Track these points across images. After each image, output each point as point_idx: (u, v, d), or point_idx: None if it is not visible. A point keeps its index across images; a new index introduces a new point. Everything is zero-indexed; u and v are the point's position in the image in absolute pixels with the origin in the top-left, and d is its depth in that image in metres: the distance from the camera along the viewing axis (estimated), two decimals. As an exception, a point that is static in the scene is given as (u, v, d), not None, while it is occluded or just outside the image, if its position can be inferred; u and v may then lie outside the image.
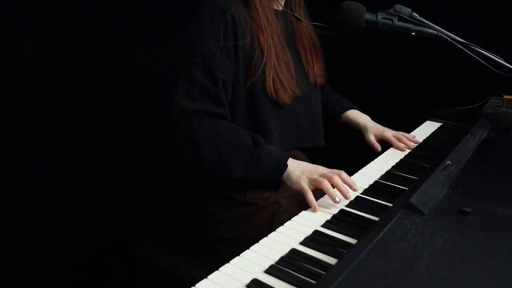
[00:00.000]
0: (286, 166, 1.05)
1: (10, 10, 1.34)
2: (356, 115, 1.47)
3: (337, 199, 0.95)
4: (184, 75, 1.10)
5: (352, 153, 1.40)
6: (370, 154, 1.31)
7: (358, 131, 1.45)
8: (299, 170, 1.04)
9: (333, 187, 0.98)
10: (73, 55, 1.52)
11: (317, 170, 1.03)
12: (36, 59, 1.42)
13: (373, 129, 1.41)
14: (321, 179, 0.99)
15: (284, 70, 1.16)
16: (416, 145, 1.36)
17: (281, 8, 1.24)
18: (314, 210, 0.94)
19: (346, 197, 0.97)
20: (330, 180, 0.98)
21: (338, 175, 0.99)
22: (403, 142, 1.34)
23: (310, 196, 0.97)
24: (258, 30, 1.14)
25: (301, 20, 1.25)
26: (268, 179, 1.07)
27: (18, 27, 1.37)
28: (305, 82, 1.26)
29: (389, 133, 1.38)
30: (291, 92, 1.17)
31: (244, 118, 1.16)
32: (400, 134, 1.38)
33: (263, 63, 1.13)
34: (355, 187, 1.00)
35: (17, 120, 1.42)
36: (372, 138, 1.39)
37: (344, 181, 0.99)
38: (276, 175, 1.05)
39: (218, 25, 1.09)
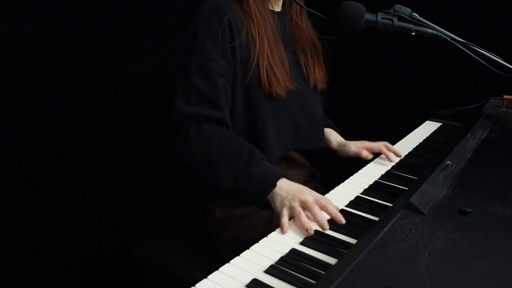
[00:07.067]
0: (275, 185, 0.98)
1: (10, 10, 1.34)
2: (331, 133, 1.41)
3: (310, 231, 0.86)
4: (182, 79, 1.10)
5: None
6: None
7: (329, 152, 1.38)
8: (285, 191, 0.97)
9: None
10: (73, 56, 1.52)
11: (301, 196, 0.94)
12: (36, 59, 1.42)
13: (354, 143, 1.34)
14: (298, 210, 0.91)
15: (278, 63, 1.17)
16: (399, 159, 1.28)
17: (277, 10, 1.25)
18: (283, 232, 0.87)
19: (323, 228, 0.87)
20: (309, 210, 0.90)
21: (323, 206, 0.91)
22: (386, 155, 1.27)
23: (284, 220, 0.90)
24: (250, 23, 1.14)
25: (301, 6, 1.25)
26: (255, 196, 1.01)
27: (18, 27, 1.36)
28: (302, 83, 1.26)
29: (373, 144, 1.30)
30: (285, 85, 1.16)
31: (241, 120, 1.16)
32: (383, 147, 1.29)
33: (256, 55, 1.13)
34: (342, 220, 0.89)
35: (18, 121, 1.42)
36: (357, 149, 1.32)
37: (330, 213, 0.90)
38: (262, 192, 0.99)
39: (215, 29, 1.10)
